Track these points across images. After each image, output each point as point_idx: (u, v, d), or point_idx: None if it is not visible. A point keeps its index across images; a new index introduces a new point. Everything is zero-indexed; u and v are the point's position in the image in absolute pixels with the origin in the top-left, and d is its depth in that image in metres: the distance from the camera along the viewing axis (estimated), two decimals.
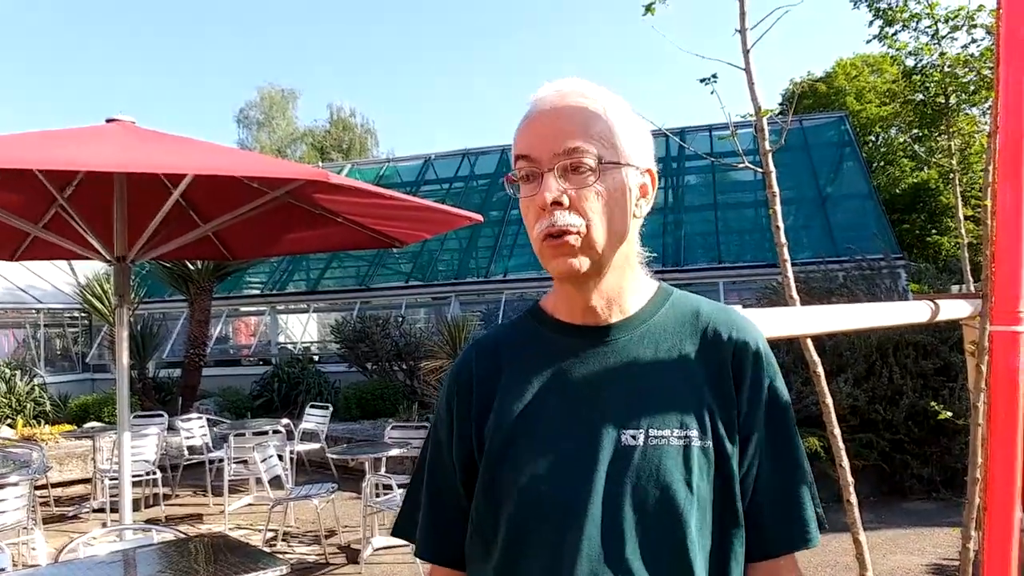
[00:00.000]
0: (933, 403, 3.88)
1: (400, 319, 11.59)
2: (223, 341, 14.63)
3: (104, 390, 12.44)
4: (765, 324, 1.80)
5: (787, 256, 2.27)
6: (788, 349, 7.50)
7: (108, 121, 5.64)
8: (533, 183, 1.09)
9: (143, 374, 11.23)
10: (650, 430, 1.05)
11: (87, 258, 6.44)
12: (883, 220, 12.45)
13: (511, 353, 1.18)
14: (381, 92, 62.11)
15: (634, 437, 1.05)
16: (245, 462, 7.09)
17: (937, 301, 2.88)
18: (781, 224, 2.28)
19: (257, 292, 14.87)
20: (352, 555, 5.79)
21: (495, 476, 1.09)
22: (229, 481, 6.96)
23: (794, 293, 2.30)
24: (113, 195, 5.18)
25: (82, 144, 5.11)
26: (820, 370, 2.24)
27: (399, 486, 5.38)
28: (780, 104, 23.84)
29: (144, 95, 57.69)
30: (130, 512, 5.07)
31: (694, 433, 1.05)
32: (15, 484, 5.56)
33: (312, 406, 9.13)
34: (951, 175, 4.00)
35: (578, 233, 1.06)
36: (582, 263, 1.08)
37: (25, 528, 5.38)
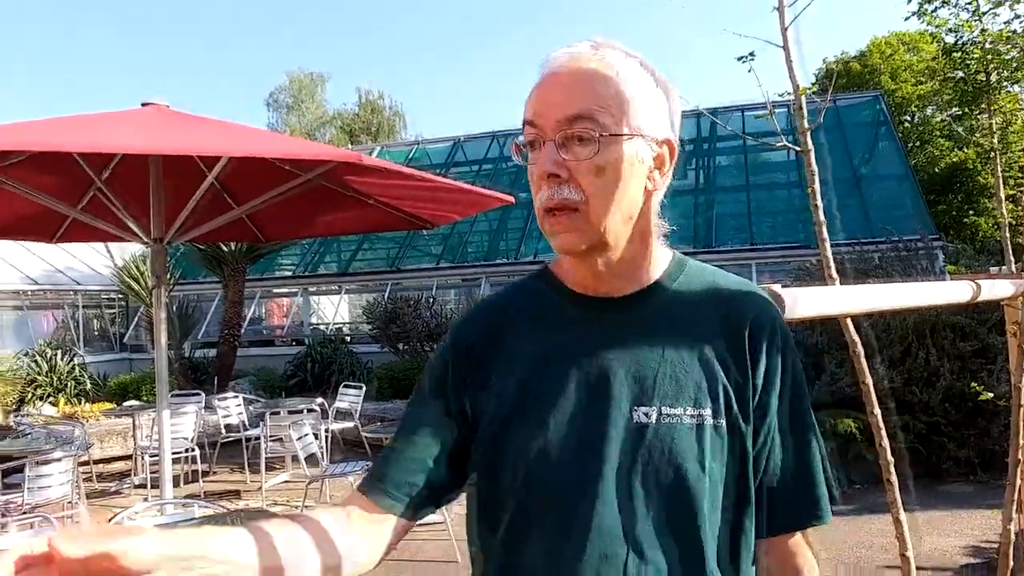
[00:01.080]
0: (974, 384, 3.83)
1: (431, 300, 11.67)
2: (256, 322, 14.83)
3: (141, 369, 12.68)
4: (806, 303, 1.80)
5: (826, 235, 2.26)
6: (823, 330, 7.43)
7: (143, 105, 5.73)
8: (537, 151, 1.03)
9: (179, 354, 11.43)
10: (663, 408, 1.01)
11: (124, 240, 6.55)
12: (919, 201, 12.26)
13: (519, 318, 1.13)
14: (409, 75, 62.20)
15: (647, 415, 1.01)
16: (281, 440, 7.20)
17: (978, 281, 2.84)
18: (820, 203, 2.26)
19: (289, 274, 15.05)
20: None
21: (500, 450, 1.05)
22: (266, 459, 7.09)
23: (834, 272, 2.28)
24: (149, 178, 5.26)
25: (119, 128, 5.19)
26: (860, 349, 2.23)
27: None
28: (814, 84, 23.47)
29: (175, 80, 58.26)
30: (171, 487, 5.19)
31: (707, 412, 1.02)
32: (59, 460, 5.70)
33: (346, 386, 9.23)
34: (991, 154, 3.92)
35: (575, 209, 1.01)
36: (580, 240, 1.03)
37: (70, 503, 5.54)
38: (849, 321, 2.33)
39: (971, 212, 21.18)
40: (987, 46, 4.75)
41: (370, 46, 62.42)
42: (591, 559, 0.99)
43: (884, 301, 2.37)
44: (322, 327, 14.51)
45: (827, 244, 2.31)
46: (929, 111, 23.74)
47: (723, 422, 1.02)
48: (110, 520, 3.78)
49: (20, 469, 5.66)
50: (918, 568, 2.04)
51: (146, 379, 10.12)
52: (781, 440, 1.06)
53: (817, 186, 2.22)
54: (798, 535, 1.09)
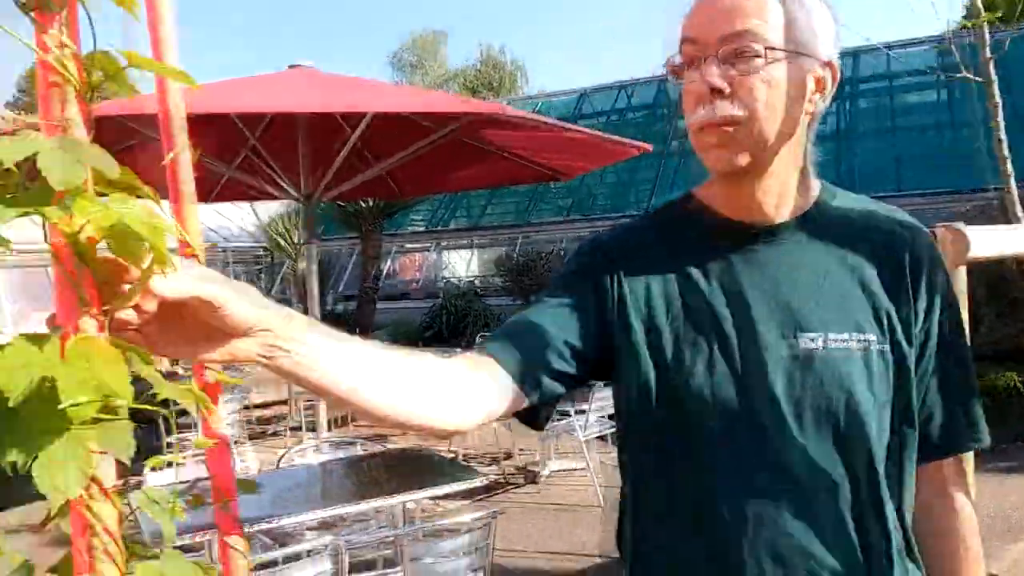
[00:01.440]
0: None
1: (563, 252, 11.75)
2: (391, 276, 15.34)
3: None
4: (993, 242, 1.73)
5: (1011, 170, 2.14)
6: (980, 280, 7.01)
7: (290, 67, 6.00)
8: (695, 69, 1.01)
9: (323, 307, 12.02)
10: (829, 334, 1.01)
11: (277, 197, 6.91)
12: None
13: (666, 241, 1.11)
14: (528, 29, 61.71)
15: (812, 340, 1.01)
16: None
17: None
18: (1004, 137, 2.15)
19: (422, 229, 15.46)
20: (529, 476, 6.07)
21: (664, 380, 1.04)
22: None
23: (1019, 211, 2.17)
24: (298, 137, 5.54)
25: (270, 89, 5.48)
26: None
27: (576, 412, 5.55)
28: (964, 17, 21.69)
29: (307, 42, 60.18)
30: (327, 428, 5.57)
31: (873, 337, 1.01)
32: (226, 402, 6.19)
33: (481, 336, 9.47)
34: None
35: (739, 124, 0.99)
36: (742, 157, 1.00)
37: (237, 441, 6.01)
38: None
39: None
40: None
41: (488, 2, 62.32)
42: (759, 487, 0.99)
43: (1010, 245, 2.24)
44: (454, 280, 14.87)
45: (1012, 180, 2.20)
46: None
47: (888, 347, 1.02)
48: (280, 458, 4.08)
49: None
50: None
51: None
52: (939, 365, 1.06)
53: (1001, 119, 2.11)
54: (957, 458, 1.09)
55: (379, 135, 5.94)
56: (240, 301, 0.69)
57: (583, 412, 5.46)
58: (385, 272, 14.61)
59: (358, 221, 11.68)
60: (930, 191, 11.26)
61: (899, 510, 1.03)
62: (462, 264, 15.38)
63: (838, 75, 1.05)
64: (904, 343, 1.03)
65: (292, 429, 8.01)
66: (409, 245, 15.85)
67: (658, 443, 1.06)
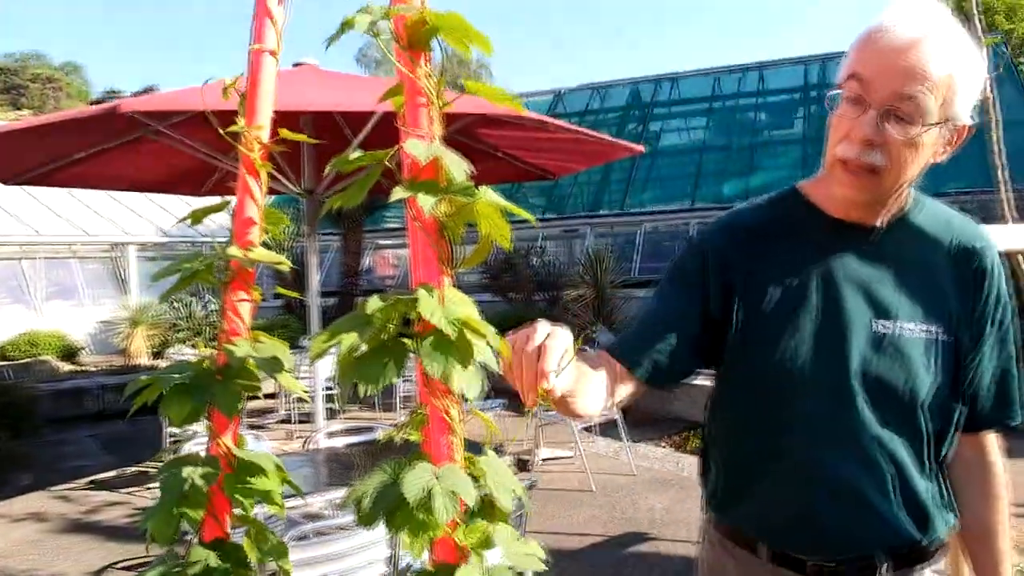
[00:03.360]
0: None
1: (541, 249, 11.99)
2: (369, 272, 15.44)
3: (265, 317, 13.47)
4: (1010, 237, 2.00)
5: (1006, 177, 2.44)
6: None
7: (295, 65, 6.14)
8: (855, 106, 1.12)
9: (303, 301, 12.10)
10: (901, 323, 1.20)
11: (279, 192, 7.03)
12: None
13: (777, 233, 1.27)
14: (497, 27, 61.84)
15: (886, 327, 1.19)
16: (411, 379, 7.69)
17: None
18: (1000, 148, 2.44)
19: (399, 226, 15.58)
20: (521, 464, 6.29)
21: (761, 348, 1.22)
22: (402, 397, 7.61)
23: (1007, 212, 2.46)
24: (302, 132, 5.67)
25: (282, 86, 5.60)
26: None
27: None
28: None
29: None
30: (323, 419, 5.71)
31: (937, 328, 1.21)
32: None
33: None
34: None
35: (878, 172, 1.12)
36: (869, 198, 1.18)
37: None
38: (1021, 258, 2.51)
39: None
40: None
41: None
42: (830, 445, 1.20)
43: None
44: None
45: (1002, 185, 2.49)
46: None
47: (949, 338, 1.22)
48: (305, 441, 4.25)
49: None
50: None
51: (274, 325, 10.81)
52: (991, 354, 1.26)
53: (999, 133, 2.40)
54: (994, 433, 1.32)
55: (377, 131, 6.12)
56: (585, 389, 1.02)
57: None
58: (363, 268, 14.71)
59: (340, 217, 11.79)
60: None
61: (941, 471, 1.26)
62: None
63: (966, 135, 1.17)
64: (963, 335, 1.23)
65: (280, 422, 8.13)
66: (384, 241, 15.95)
67: (749, 401, 1.28)
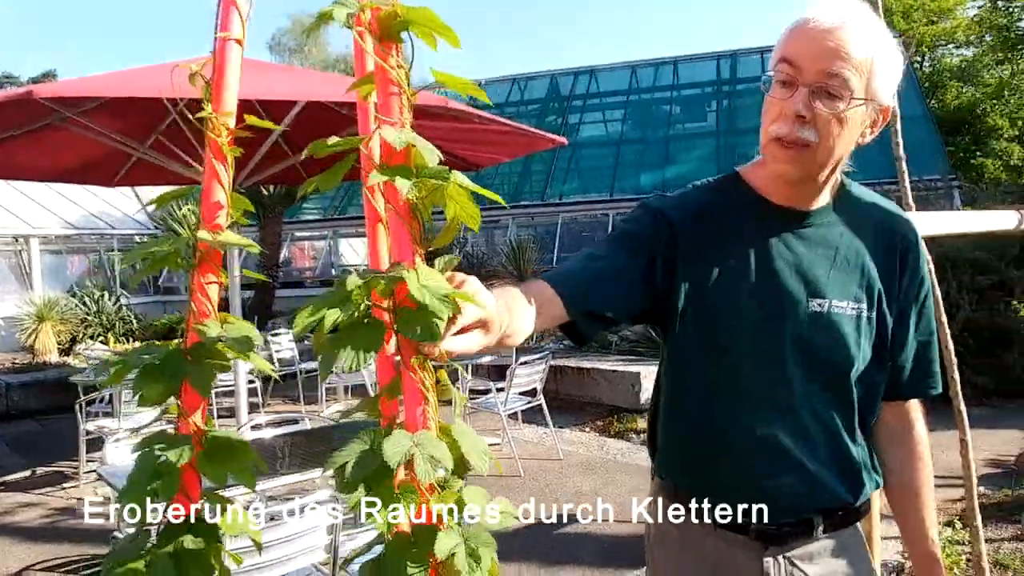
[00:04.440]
0: (1014, 302, 4.20)
1: (464, 239, 12.02)
2: (286, 264, 15.19)
3: (177, 311, 13.10)
4: (925, 224, 2.16)
5: (905, 168, 2.62)
6: None
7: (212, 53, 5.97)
8: (786, 88, 1.19)
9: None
10: (832, 300, 1.28)
11: (193, 182, 6.83)
12: (937, 141, 12.50)
13: (723, 214, 1.33)
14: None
15: (820, 305, 1.28)
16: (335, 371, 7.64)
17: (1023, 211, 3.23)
18: (900, 140, 2.61)
19: (318, 217, 15.37)
20: None
21: (704, 322, 1.29)
22: (326, 388, 7.55)
23: (910, 200, 2.65)
24: None
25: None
26: None
27: (496, 389, 5.87)
28: None
29: (179, 27, 57.48)
30: (246, 413, 5.62)
31: (864, 306, 1.29)
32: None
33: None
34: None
35: (809, 147, 1.19)
36: (800, 172, 1.24)
37: (158, 423, 5.97)
38: None
39: (978, 154, 21.40)
40: None
41: None
42: (767, 413, 1.29)
43: (942, 226, 2.76)
44: (351, 268, 14.89)
45: (905, 176, 2.68)
46: (939, 52, 23.75)
47: (874, 314, 1.31)
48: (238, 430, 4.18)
49: (97, 400, 6.14)
50: (940, 477, 2.47)
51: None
52: (912, 329, 1.36)
53: (899, 126, 2.57)
54: (916, 401, 1.43)
55: (299, 123, 6.06)
56: (499, 314, 0.93)
57: (502, 390, 5.77)
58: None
59: (258, 208, 11.55)
60: None
61: (867, 436, 1.37)
62: (360, 251, 15.40)
63: (889, 116, 1.26)
64: (886, 311, 1.31)
65: None
66: (301, 233, 15.72)
67: (693, 374, 1.35)
